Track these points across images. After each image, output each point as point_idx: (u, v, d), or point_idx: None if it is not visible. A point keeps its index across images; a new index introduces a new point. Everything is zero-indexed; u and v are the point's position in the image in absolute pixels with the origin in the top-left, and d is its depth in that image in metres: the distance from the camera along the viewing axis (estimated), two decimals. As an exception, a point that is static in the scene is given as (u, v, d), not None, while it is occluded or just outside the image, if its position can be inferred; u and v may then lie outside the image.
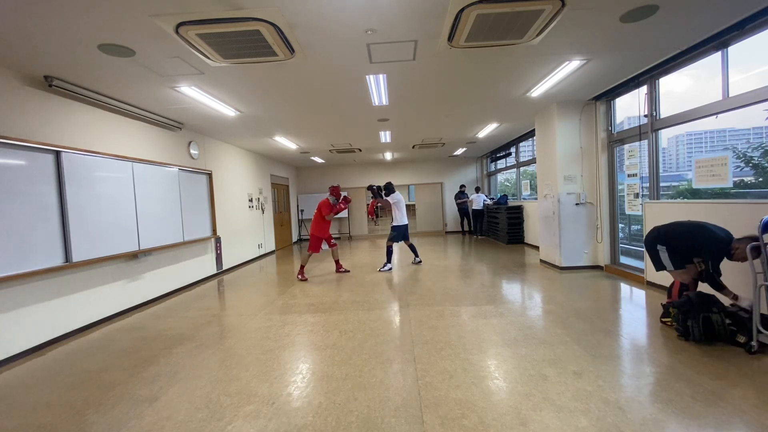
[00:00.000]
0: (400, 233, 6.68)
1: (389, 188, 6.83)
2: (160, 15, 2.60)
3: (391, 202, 6.69)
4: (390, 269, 6.46)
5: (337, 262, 6.55)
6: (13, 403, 2.53)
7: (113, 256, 4.28)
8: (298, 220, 12.54)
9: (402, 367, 2.73)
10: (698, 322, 2.87)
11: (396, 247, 9.37)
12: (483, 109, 5.94)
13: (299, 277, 6.08)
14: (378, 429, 2.01)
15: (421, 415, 2.12)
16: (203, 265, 6.46)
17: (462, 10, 2.66)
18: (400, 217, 6.68)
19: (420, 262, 6.98)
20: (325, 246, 6.38)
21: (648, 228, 4.48)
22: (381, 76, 4.13)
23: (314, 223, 6.16)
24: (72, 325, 3.88)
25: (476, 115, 6.33)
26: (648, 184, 4.68)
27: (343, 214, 12.33)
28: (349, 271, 6.49)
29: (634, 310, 3.89)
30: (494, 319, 3.68)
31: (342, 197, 6.35)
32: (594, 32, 3.28)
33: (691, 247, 3.10)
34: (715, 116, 3.71)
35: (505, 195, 10.10)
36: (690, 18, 3.12)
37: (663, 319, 3.35)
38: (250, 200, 8.65)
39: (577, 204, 5.75)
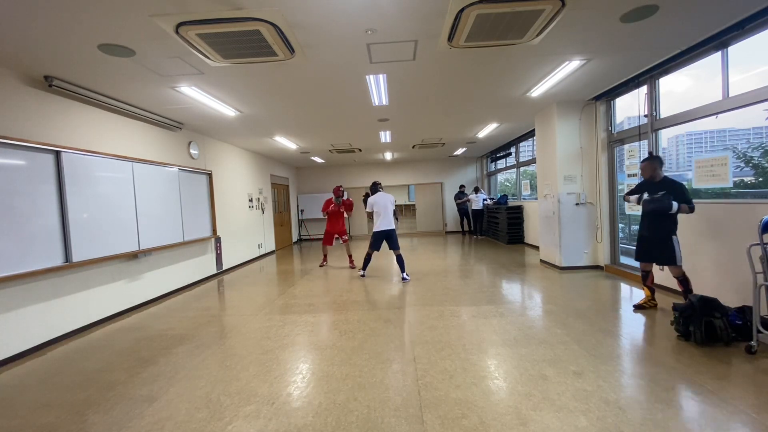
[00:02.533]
0: (377, 241, 5.76)
1: (372, 190, 6.00)
2: (160, 15, 2.60)
3: (367, 211, 5.99)
4: (362, 276, 5.96)
5: (350, 257, 7.05)
6: (13, 403, 2.53)
7: (113, 256, 4.28)
8: (298, 220, 12.53)
9: (402, 367, 2.73)
10: (700, 327, 2.86)
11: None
12: (483, 109, 5.94)
13: (323, 263, 7.31)
14: (378, 429, 2.01)
15: (421, 415, 2.12)
16: (203, 265, 6.46)
17: (462, 10, 2.66)
18: (378, 223, 5.73)
19: (405, 279, 5.59)
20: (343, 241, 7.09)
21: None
22: (381, 76, 4.13)
23: (327, 221, 7.08)
24: (72, 325, 3.88)
25: (476, 115, 6.33)
26: (648, 184, 4.67)
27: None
28: (356, 267, 6.74)
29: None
30: (494, 319, 3.68)
31: (344, 197, 6.94)
32: (594, 32, 3.28)
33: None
34: (715, 116, 3.71)
35: (505, 195, 10.11)
36: (690, 18, 3.12)
37: (639, 303, 3.81)
38: (250, 200, 8.64)
39: (577, 204, 5.75)
